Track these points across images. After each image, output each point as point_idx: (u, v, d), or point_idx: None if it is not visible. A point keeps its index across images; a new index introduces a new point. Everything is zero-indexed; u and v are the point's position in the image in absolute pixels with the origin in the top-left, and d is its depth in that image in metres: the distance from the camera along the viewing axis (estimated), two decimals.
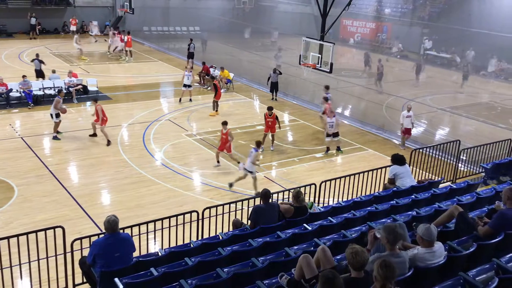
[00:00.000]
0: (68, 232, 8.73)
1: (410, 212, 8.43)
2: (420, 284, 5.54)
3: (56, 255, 8.44)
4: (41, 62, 22.95)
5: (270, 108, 16.84)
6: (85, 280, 7.90)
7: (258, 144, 13.66)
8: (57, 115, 16.71)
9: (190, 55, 28.54)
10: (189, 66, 22.99)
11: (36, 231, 8.22)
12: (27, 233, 8.15)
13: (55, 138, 16.58)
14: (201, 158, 15.88)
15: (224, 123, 15.20)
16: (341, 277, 4.88)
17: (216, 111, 20.44)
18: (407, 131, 17.38)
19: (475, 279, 5.56)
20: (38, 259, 8.41)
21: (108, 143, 16.41)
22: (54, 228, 8.33)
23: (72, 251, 8.14)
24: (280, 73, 23.01)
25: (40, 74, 22.64)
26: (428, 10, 37.62)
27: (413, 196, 9.43)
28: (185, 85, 21.99)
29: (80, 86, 21.76)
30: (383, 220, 8.04)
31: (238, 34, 38.71)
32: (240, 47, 35.75)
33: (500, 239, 6.40)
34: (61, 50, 31.52)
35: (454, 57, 32.28)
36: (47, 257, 8.39)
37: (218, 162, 15.36)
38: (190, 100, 22.04)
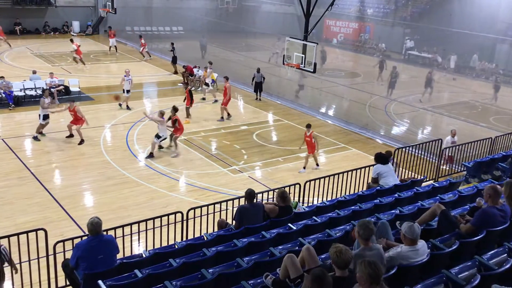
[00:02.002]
0: (51, 234, 8.62)
1: (393, 211, 8.50)
2: (403, 282, 5.58)
3: (38, 258, 8.35)
4: None
5: (308, 126, 15.47)
6: (68, 283, 7.81)
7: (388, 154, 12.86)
8: (45, 117, 16.49)
9: (174, 59, 27.88)
10: (128, 70, 20.98)
11: (18, 234, 8.10)
12: (8, 236, 8.03)
13: (35, 138, 16.36)
14: (185, 158, 15.82)
15: (308, 126, 15.26)
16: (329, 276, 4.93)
17: (188, 117, 19.53)
18: (450, 159, 14.58)
19: (457, 277, 5.62)
20: (20, 262, 8.28)
21: (81, 142, 16.30)
22: (36, 230, 8.23)
23: (54, 254, 8.05)
24: (264, 78, 23.02)
25: None
26: (410, 11, 37.97)
27: (396, 195, 9.50)
28: (127, 91, 20.41)
29: (62, 87, 21.53)
30: (367, 219, 8.08)
31: (221, 34, 38.64)
32: (223, 47, 35.69)
33: (482, 236, 6.47)
34: (42, 51, 31.16)
35: (436, 57, 32.63)
36: (29, 260, 8.28)
37: (304, 168, 15.20)
38: (128, 108, 20.42)
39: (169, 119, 16.27)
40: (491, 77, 29.18)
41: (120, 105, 20.58)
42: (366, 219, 6.05)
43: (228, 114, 20.05)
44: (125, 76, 20.60)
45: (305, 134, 15.41)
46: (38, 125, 16.48)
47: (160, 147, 16.19)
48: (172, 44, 28.06)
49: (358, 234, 5.83)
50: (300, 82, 24.89)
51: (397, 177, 11.69)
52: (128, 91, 20.53)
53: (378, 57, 33.60)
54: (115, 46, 32.09)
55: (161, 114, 15.89)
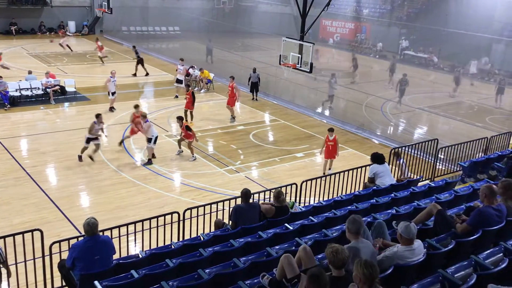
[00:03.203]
0: (47, 235, 8.61)
1: (389, 211, 8.51)
2: (400, 282, 5.59)
3: (34, 259, 8.32)
4: None
5: (331, 130, 15.03)
6: (64, 284, 7.79)
7: (397, 154, 12.69)
8: (88, 140, 14.95)
9: (140, 61, 26.92)
10: (114, 71, 20.44)
11: (13, 234, 8.08)
12: (4, 237, 8.01)
13: (79, 158, 15.03)
14: (182, 158, 15.80)
15: (331, 130, 14.90)
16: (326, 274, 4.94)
17: (191, 119, 19.25)
18: None
19: (453, 276, 5.64)
20: (16, 263, 8.26)
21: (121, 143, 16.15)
22: (32, 231, 8.20)
23: (50, 254, 8.04)
24: (259, 79, 23.05)
25: None
26: (406, 11, 38.10)
27: (392, 195, 9.53)
28: (112, 93, 20.01)
29: (57, 87, 21.46)
30: (364, 218, 8.10)
31: (217, 34, 38.64)
32: (220, 47, 35.68)
33: (478, 236, 6.49)
34: (38, 51, 31.07)
35: (432, 57, 32.72)
36: (25, 261, 8.26)
37: (329, 168, 14.91)
38: (113, 109, 20.16)
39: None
40: (486, 77, 29.28)
41: (113, 108, 20.46)
42: (354, 215, 6.10)
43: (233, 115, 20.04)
44: (111, 77, 20.06)
45: (327, 138, 14.90)
46: (83, 147, 15.03)
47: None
48: (134, 47, 27.62)
49: (348, 230, 5.93)
50: (331, 93, 22.58)
51: (393, 177, 11.71)
52: (113, 93, 20.16)
53: (386, 60, 33.37)
54: (67, 45, 31.38)
55: (144, 117, 15.26)
